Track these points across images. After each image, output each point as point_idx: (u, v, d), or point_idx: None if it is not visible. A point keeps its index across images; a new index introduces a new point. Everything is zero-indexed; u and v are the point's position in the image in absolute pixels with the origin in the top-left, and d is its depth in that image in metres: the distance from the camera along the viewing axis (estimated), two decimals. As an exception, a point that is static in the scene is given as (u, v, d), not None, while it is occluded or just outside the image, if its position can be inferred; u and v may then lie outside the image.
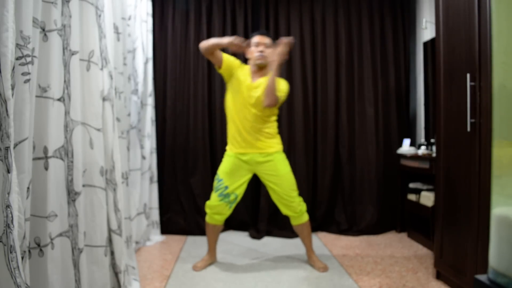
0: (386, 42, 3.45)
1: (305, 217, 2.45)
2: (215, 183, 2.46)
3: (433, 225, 2.33)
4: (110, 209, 1.83)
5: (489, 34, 1.72)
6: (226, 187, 2.40)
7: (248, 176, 2.46)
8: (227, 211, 2.45)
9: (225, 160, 2.48)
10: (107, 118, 1.81)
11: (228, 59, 2.43)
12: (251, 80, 2.40)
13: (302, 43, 3.41)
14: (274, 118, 2.47)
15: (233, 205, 2.46)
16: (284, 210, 2.44)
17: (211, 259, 2.55)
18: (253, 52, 2.41)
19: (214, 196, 2.44)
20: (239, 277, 2.31)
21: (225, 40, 2.33)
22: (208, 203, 2.46)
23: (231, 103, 2.43)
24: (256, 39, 2.42)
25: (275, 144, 2.44)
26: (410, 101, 3.54)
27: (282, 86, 2.39)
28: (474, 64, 1.84)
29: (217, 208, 2.42)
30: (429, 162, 2.73)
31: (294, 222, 2.46)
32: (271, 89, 2.27)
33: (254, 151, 2.40)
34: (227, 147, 2.50)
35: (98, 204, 1.73)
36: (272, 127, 2.45)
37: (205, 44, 2.35)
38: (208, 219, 2.48)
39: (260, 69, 2.42)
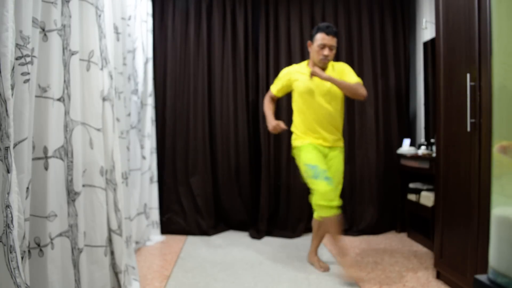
0: (386, 42, 3.45)
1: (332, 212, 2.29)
2: (310, 173, 2.27)
3: (433, 225, 2.33)
4: (110, 209, 1.83)
5: (489, 34, 1.72)
6: (325, 170, 2.27)
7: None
8: (338, 197, 2.29)
9: (306, 151, 2.36)
10: (107, 118, 1.81)
11: (284, 79, 2.48)
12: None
13: (302, 43, 3.40)
14: (341, 114, 2.49)
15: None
16: None
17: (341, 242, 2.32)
18: (317, 53, 2.34)
19: (319, 183, 2.22)
20: (239, 277, 2.31)
21: (269, 122, 2.44)
22: (318, 194, 2.22)
23: (304, 100, 2.39)
24: (321, 39, 2.31)
25: (340, 139, 2.49)
26: (410, 101, 3.54)
27: (351, 70, 2.44)
28: (474, 64, 1.84)
29: (329, 194, 2.20)
30: (429, 162, 2.72)
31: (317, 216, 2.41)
32: (346, 89, 2.31)
33: (326, 143, 2.40)
34: (300, 139, 2.42)
35: (98, 204, 1.73)
36: (339, 123, 2.46)
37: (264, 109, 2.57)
38: (325, 212, 2.22)
39: (321, 67, 2.40)
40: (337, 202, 2.26)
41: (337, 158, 2.44)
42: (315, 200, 2.26)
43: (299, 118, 2.45)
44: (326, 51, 2.31)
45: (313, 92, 2.37)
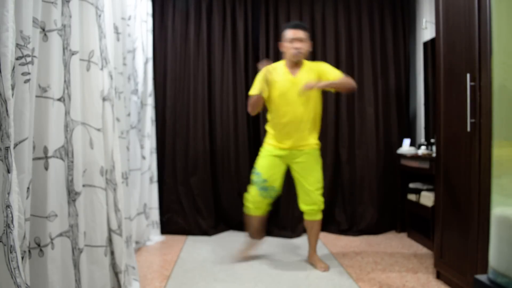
0: (386, 42, 3.45)
1: (319, 216, 2.48)
2: (254, 177, 2.49)
3: (433, 225, 2.33)
4: (110, 209, 1.83)
5: (489, 34, 1.72)
6: (265, 180, 2.44)
7: (283, 168, 2.49)
8: (267, 205, 2.52)
9: (263, 156, 2.50)
10: (107, 118, 1.81)
11: (264, 90, 2.40)
12: (292, 75, 2.40)
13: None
14: (319, 112, 2.48)
15: (273, 198, 2.51)
16: (303, 206, 2.46)
17: (258, 239, 2.66)
18: (289, 48, 2.37)
19: (254, 190, 2.48)
20: (239, 277, 2.31)
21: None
22: (247, 197, 2.52)
23: (278, 103, 2.40)
24: (290, 34, 2.36)
25: (314, 141, 2.47)
26: (410, 101, 3.54)
27: (330, 67, 2.45)
28: (474, 64, 1.84)
29: (257, 203, 2.48)
30: (429, 162, 2.72)
31: (307, 217, 2.49)
32: (340, 85, 2.36)
33: (295, 147, 2.42)
34: (266, 143, 2.52)
35: (98, 204, 1.73)
36: (314, 122, 2.46)
37: (251, 106, 2.43)
38: (250, 211, 2.54)
39: (296, 63, 2.42)
40: (262, 211, 2.52)
41: (310, 159, 2.43)
42: (246, 198, 2.53)
43: (271, 118, 2.48)
44: (297, 44, 2.34)
45: (288, 94, 2.37)
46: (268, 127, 2.53)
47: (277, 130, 2.44)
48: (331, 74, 2.39)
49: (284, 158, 2.45)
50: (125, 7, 2.40)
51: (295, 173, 2.48)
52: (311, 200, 2.42)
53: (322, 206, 2.46)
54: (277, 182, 2.47)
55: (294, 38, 2.35)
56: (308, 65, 2.46)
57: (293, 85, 2.37)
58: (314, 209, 2.43)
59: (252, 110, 2.47)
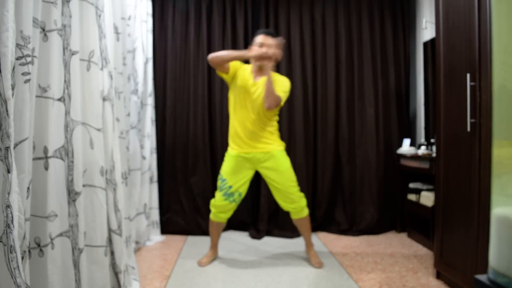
0: (386, 42, 3.45)
1: (305, 212, 2.49)
2: (219, 183, 2.49)
3: (433, 225, 2.33)
4: (110, 209, 1.83)
5: (489, 34, 1.72)
6: (230, 187, 2.44)
7: (250, 174, 2.49)
8: (232, 210, 2.51)
9: (227, 160, 2.50)
10: (107, 118, 1.81)
11: (233, 64, 2.42)
12: (254, 79, 2.42)
13: (302, 43, 3.41)
14: (276, 117, 2.50)
15: (237, 203, 2.51)
16: (285, 206, 2.47)
17: (214, 254, 2.63)
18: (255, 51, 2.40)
19: (218, 195, 2.48)
20: (239, 277, 2.31)
21: (251, 53, 2.30)
22: (213, 202, 2.52)
23: (235, 103, 2.44)
24: (260, 39, 2.39)
25: (276, 142, 2.47)
26: (410, 101, 3.54)
27: (285, 86, 2.42)
28: (474, 64, 1.84)
29: (222, 207, 2.48)
30: (429, 162, 2.73)
31: (294, 216, 2.50)
32: (269, 92, 2.28)
33: (256, 150, 2.42)
34: (229, 147, 2.52)
35: (98, 204, 1.73)
36: (273, 125, 2.48)
37: (219, 56, 2.31)
38: (212, 217, 2.54)
39: (261, 68, 2.43)
40: (226, 215, 2.51)
41: (277, 161, 2.42)
42: (212, 203, 2.52)
43: (232, 124, 2.47)
44: (264, 49, 2.36)
45: (246, 96, 2.38)
46: (229, 131, 2.51)
47: (235, 133, 2.44)
48: (277, 88, 2.36)
49: (250, 162, 2.44)
50: (125, 7, 2.40)
51: (266, 178, 2.48)
52: (290, 199, 2.43)
53: (304, 202, 2.46)
54: (242, 188, 2.47)
55: (263, 43, 2.37)
56: (272, 75, 2.44)
57: (251, 88, 2.38)
58: (296, 208, 2.44)
59: (215, 58, 2.32)
